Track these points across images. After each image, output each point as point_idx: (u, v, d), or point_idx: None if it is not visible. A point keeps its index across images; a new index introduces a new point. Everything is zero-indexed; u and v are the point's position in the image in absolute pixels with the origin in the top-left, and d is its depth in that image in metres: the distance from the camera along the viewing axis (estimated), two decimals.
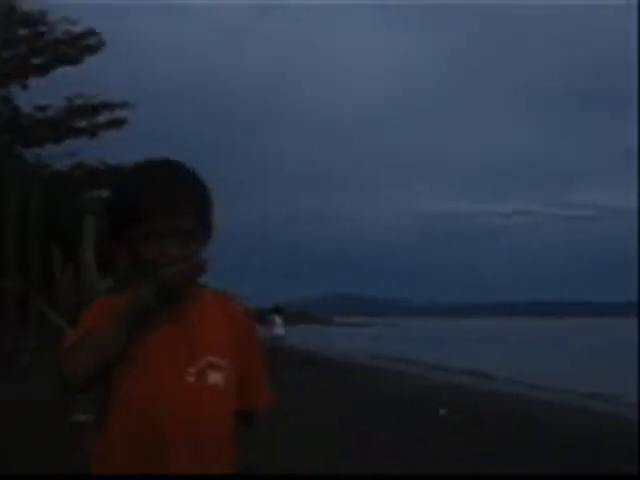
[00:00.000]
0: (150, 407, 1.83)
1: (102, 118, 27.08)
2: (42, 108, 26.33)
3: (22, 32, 25.32)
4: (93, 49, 25.94)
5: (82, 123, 26.94)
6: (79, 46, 25.61)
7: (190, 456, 1.84)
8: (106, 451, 1.86)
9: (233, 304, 2.05)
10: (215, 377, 1.89)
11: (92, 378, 1.79)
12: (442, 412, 15.00)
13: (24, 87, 25.65)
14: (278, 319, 27.19)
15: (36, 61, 25.67)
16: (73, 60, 25.71)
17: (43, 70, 25.64)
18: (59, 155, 26.97)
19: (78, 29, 25.56)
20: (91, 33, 25.72)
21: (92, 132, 26.90)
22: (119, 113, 27.31)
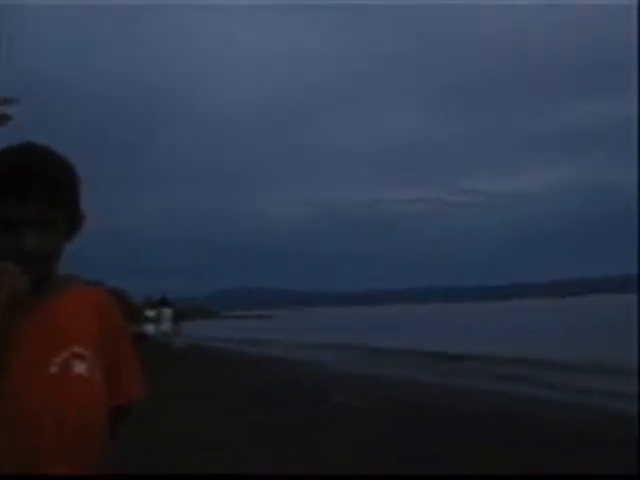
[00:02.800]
0: (19, 402, 1.75)
1: None
2: None
3: None
4: None
5: None
6: None
7: (57, 445, 1.77)
8: None
9: (98, 295, 2.00)
10: (80, 367, 1.84)
11: None
12: (336, 398, 14.68)
13: None
14: (167, 313, 26.55)
15: None
16: None
17: None
18: None
19: None
20: None
21: None
22: (3, 109, 25.98)
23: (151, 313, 60.77)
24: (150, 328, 53.65)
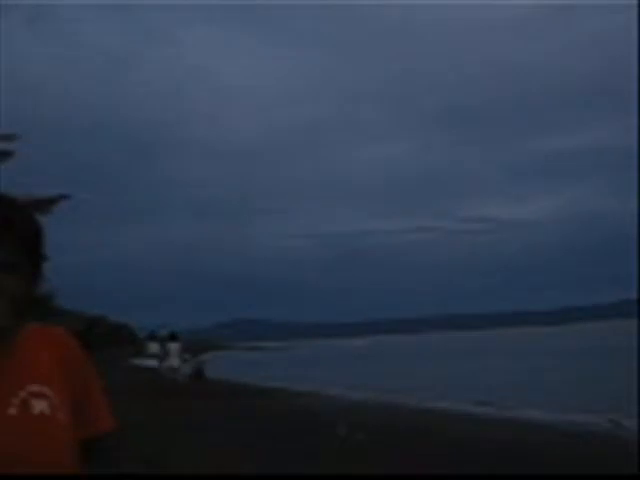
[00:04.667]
0: None
1: None
2: None
3: None
4: None
5: None
6: None
7: None
8: None
9: (58, 334, 1.99)
10: (40, 405, 1.84)
11: None
12: (341, 431, 14.98)
13: None
14: (174, 347, 26.53)
15: None
16: None
17: None
18: None
19: None
20: None
21: None
22: (5, 145, 26.55)
23: (154, 348, 59.17)
24: (152, 363, 52.79)
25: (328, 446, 13.25)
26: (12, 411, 1.81)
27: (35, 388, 1.85)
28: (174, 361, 26.72)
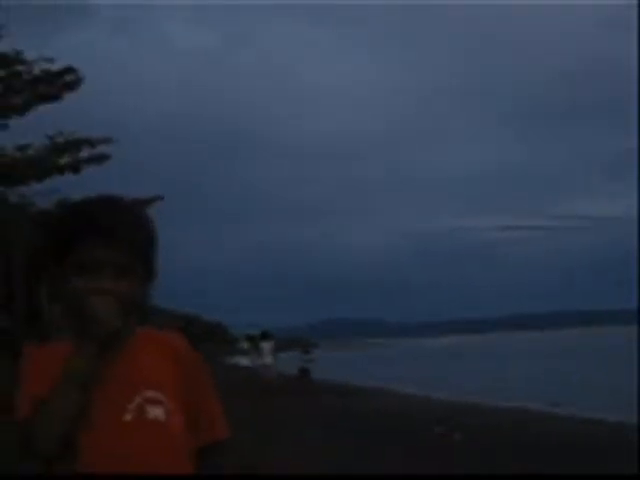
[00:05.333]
0: (99, 453, 1.76)
1: (84, 154, 27.07)
2: (23, 147, 26.30)
3: None
4: (72, 86, 25.96)
5: (64, 160, 26.91)
6: (58, 83, 25.63)
7: None
8: None
9: (172, 340, 1.99)
10: (155, 411, 1.83)
11: (61, 444, 1.70)
12: (438, 430, 15.00)
13: (4, 127, 25.62)
14: (267, 346, 26.90)
15: (15, 101, 25.65)
16: (52, 98, 25.73)
17: (22, 109, 25.61)
18: (43, 193, 26.91)
19: (56, 67, 25.61)
20: (69, 70, 25.75)
21: (75, 168, 26.87)
22: (101, 148, 27.32)
23: (245, 345, 60.98)
24: (244, 361, 53.81)
25: (429, 445, 13.29)
26: (128, 417, 1.82)
27: (150, 394, 1.85)
28: (267, 359, 27.08)
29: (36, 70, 25.46)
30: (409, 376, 40.08)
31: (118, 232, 1.82)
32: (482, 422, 17.13)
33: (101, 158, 27.31)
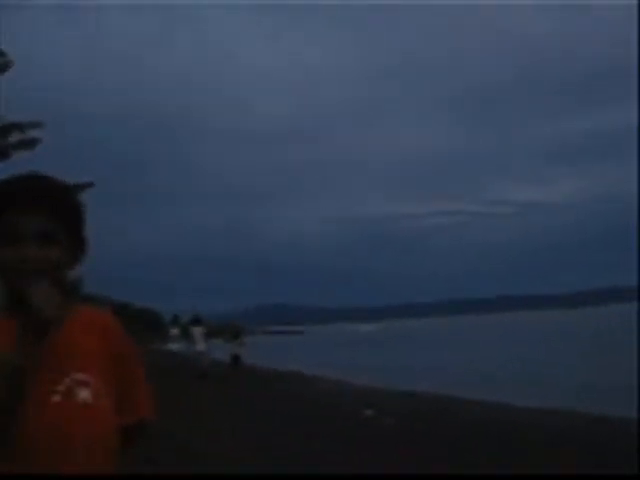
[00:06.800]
0: (27, 433, 1.76)
1: (13, 139, 26.53)
2: None
3: None
4: (1, 69, 25.42)
5: None
6: None
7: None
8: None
9: (103, 318, 2.00)
10: (83, 394, 1.85)
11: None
12: (368, 413, 15.22)
13: None
14: (197, 331, 26.39)
15: None
16: None
17: None
18: None
19: None
20: None
21: (4, 153, 26.34)
22: (31, 133, 26.79)
23: (174, 331, 59.99)
24: (174, 347, 53.06)
25: (360, 429, 13.41)
26: (56, 398, 1.83)
27: (80, 376, 1.86)
28: (200, 345, 26.78)
29: None
30: (337, 362, 40.43)
31: (37, 199, 1.86)
32: (412, 408, 17.41)
33: (31, 143, 26.78)
